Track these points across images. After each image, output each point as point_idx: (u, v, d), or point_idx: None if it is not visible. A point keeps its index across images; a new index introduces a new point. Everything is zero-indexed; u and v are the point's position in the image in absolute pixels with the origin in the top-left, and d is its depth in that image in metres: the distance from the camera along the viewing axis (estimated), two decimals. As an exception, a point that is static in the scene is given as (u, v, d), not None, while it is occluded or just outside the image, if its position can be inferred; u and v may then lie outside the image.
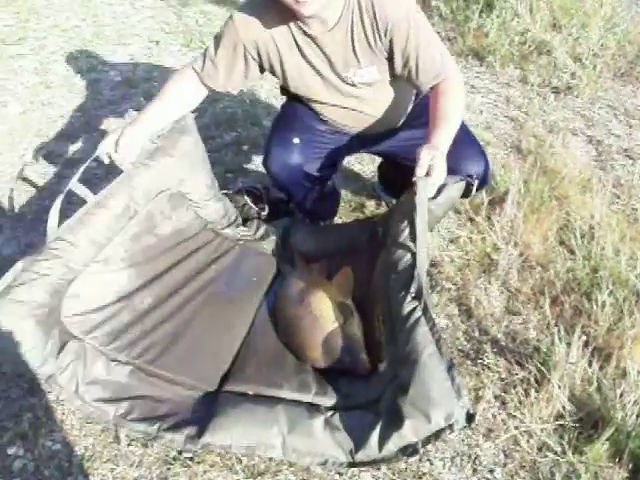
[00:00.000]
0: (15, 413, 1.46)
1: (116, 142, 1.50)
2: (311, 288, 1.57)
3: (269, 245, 1.83)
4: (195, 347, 1.52)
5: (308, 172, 1.69)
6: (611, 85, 2.97)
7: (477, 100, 2.85)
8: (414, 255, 1.36)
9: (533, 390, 1.47)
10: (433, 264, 1.87)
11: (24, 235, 2.00)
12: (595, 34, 3.11)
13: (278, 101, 2.55)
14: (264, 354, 1.52)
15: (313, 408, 1.33)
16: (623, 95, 2.91)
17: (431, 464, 1.36)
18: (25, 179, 2.15)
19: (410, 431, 1.17)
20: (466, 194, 1.50)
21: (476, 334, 1.66)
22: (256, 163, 2.37)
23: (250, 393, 1.40)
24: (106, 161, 1.53)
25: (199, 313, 1.59)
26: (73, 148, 2.43)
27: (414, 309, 1.28)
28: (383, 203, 2.15)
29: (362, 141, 1.78)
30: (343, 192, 2.13)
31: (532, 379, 1.50)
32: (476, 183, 1.46)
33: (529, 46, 3.13)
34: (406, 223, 1.42)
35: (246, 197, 1.96)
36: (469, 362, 1.57)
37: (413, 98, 1.72)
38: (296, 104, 1.72)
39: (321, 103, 1.65)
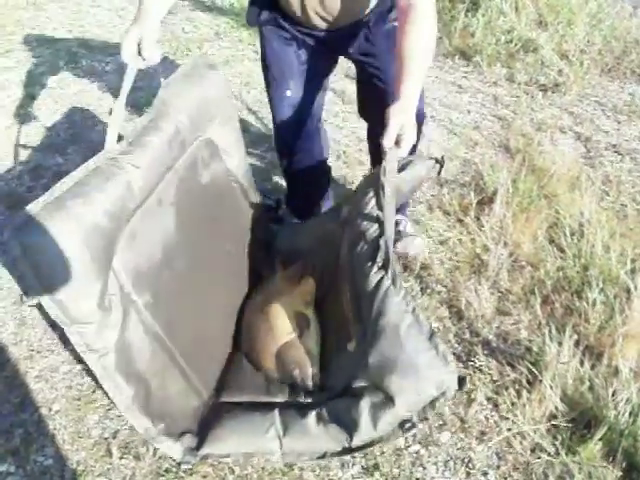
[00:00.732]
0: (6, 429, 1.45)
1: (137, 43, 1.37)
2: (271, 297, 1.55)
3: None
4: (203, 336, 1.46)
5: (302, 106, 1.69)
6: (598, 81, 2.98)
7: (465, 100, 2.86)
8: (381, 224, 1.27)
9: (525, 391, 1.47)
10: (423, 267, 1.87)
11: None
12: (581, 31, 3.12)
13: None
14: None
15: (304, 406, 1.34)
16: (611, 91, 2.92)
17: (424, 469, 1.36)
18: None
19: (403, 407, 1.15)
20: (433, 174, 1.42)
21: (467, 336, 1.66)
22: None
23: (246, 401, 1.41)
24: (140, 65, 1.41)
25: (214, 298, 1.53)
26: (60, 161, 2.42)
27: (381, 279, 1.21)
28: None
29: (333, 43, 1.68)
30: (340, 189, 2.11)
31: (524, 380, 1.50)
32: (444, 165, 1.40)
33: (515, 44, 3.13)
34: (372, 194, 1.36)
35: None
36: (461, 365, 1.57)
37: None
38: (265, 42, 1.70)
39: None
